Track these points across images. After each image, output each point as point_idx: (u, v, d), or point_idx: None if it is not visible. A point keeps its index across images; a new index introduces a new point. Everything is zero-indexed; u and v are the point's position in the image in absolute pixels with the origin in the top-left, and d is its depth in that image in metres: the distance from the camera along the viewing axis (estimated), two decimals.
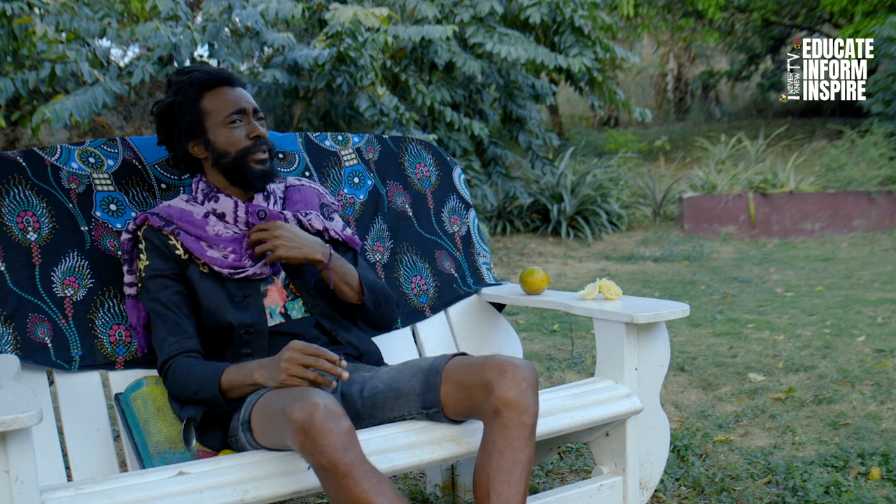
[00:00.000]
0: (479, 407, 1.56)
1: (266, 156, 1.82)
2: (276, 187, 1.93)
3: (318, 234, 1.90)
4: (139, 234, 1.78)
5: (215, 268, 1.76)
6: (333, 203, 2.01)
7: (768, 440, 2.73)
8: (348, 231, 1.98)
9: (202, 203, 1.83)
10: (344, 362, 1.48)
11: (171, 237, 1.77)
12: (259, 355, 1.73)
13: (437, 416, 1.62)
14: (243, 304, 1.78)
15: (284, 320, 1.82)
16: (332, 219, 1.96)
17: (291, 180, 1.99)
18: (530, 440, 1.54)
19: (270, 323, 1.80)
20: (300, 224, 1.88)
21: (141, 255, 1.77)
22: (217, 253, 1.78)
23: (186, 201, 1.84)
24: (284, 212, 1.87)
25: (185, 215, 1.80)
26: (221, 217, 1.82)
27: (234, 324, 1.75)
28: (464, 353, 1.69)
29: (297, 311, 1.84)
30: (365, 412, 1.69)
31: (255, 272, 1.79)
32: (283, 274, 1.86)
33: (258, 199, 1.86)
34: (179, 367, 1.68)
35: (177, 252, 1.77)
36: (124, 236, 1.79)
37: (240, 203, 1.83)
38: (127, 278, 1.79)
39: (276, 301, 1.83)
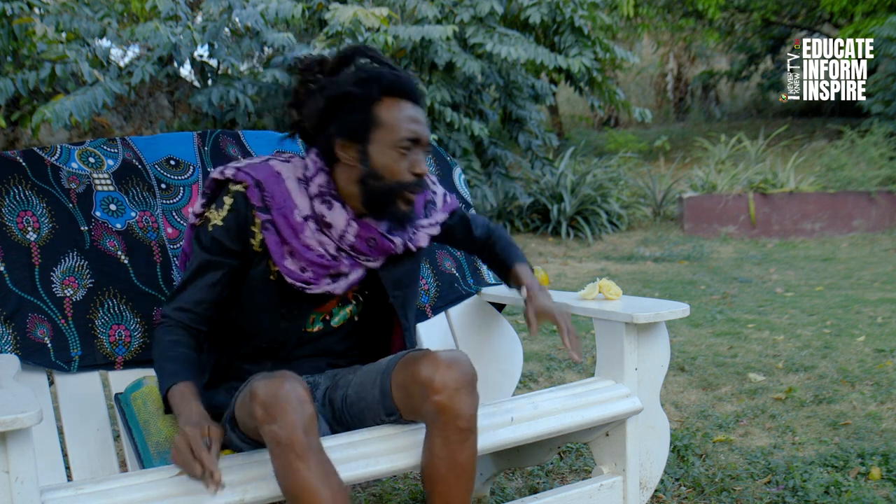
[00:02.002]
0: (419, 409, 1.51)
1: (416, 197, 1.62)
2: (417, 205, 1.72)
3: (419, 249, 1.73)
4: (231, 188, 1.58)
5: (287, 279, 1.58)
6: (432, 192, 1.81)
7: (768, 440, 2.73)
8: (448, 199, 1.82)
9: (312, 198, 1.59)
10: (217, 475, 1.34)
11: (257, 228, 1.57)
12: (268, 361, 1.68)
13: (400, 422, 1.59)
14: (289, 319, 1.65)
15: (323, 326, 1.73)
16: (431, 213, 1.79)
17: (435, 196, 1.80)
18: (466, 443, 1.50)
19: (309, 329, 1.71)
20: (406, 248, 1.69)
21: (219, 210, 1.58)
22: (294, 265, 1.58)
23: (298, 182, 1.60)
24: (395, 240, 1.65)
25: (287, 206, 1.57)
26: (325, 227, 1.59)
27: (263, 334, 1.65)
28: (418, 349, 1.60)
29: (339, 317, 1.74)
30: (345, 418, 1.67)
31: (326, 290, 1.62)
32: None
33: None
34: (162, 331, 1.58)
35: (251, 241, 1.58)
36: (215, 174, 1.61)
37: (352, 222, 1.60)
38: (196, 208, 1.62)
39: (325, 309, 1.71)
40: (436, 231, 1.77)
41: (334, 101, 1.59)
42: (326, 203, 1.59)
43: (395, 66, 1.64)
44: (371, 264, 1.66)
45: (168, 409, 1.53)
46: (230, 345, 1.69)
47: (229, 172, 1.59)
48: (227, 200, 1.58)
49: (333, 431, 1.66)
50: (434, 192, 1.82)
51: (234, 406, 1.52)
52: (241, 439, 1.53)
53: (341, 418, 1.68)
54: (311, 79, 1.64)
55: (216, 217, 1.59)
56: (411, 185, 1.58)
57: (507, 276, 1.94)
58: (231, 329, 1.68)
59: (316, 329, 1.73)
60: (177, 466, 1.37)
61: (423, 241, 1.73)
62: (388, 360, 1.62)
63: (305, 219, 1.58)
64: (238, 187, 1.58)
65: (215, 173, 1.62)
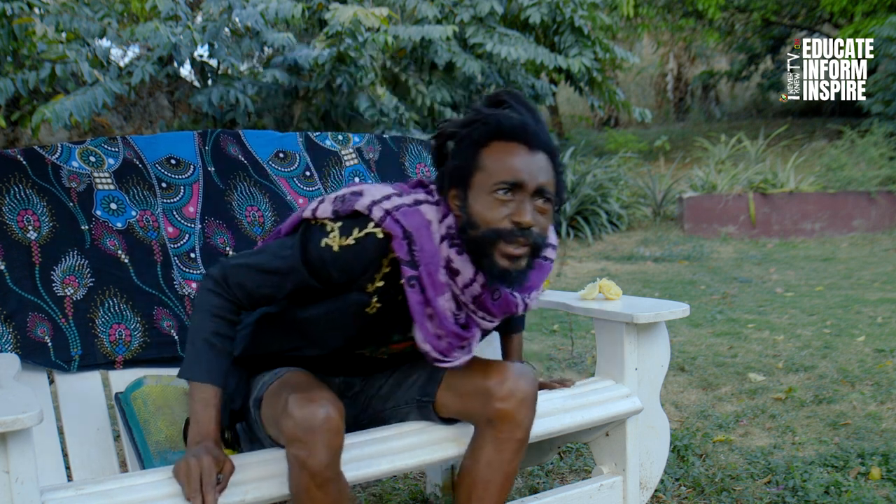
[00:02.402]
0: (474, 412, 1.53)
1: (521, 252, 1.41)
2: None
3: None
4: (369, 227, 1.42)
5: (424, 346, 1.48)
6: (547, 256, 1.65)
7: (768, 440, 2.73)
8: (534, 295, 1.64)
9: (440, 241, 1.45)
10: None
11: (379, 276, 1.45)
12: (312, 361, 1.62)
13: (427, 408, 1.59)
14: (361, 341, 1.57)
15: (388, 357, 1.66)
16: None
17: (547, 247, 1.59)
18: (519, 453, 1.53)
19: (374, 354, 1.64)
20: (524, 310, 1.59)
21: (343, 237, 1.42)
22: (433, 329, 1.48)
23: (440, 236, 1.45)
24: (517, 296, 1.54)
25: (433, 263, 1.43)
26: (453, 274, 1.46)
27: (321, 349, 1.57)
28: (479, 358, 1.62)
29: (402, 350, 1.66)
30: (369, 402, 1.68)
31: (455, 364, 1.52)
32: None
33: None
34: (208, 295, 1.45)
35: (367, 285, 1.46)
36: (360, 206, 1.43)
37: (479, 276, 1.46)
38: (321, 210, 1.46)
39: (400, 346, 1.63)
40: (536, 301, 1.63)
41: (444, 139, 1.50)
42: (456, 247, 1.45)
43: (527, 110, 1.49)
44: (489, 325, 1.55)
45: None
46: (276, 337, 1.60)
47: (377, 215, 1.42)
48: (356, 233, 1.43)
49: (348, 430, 1.66)
50: (550, 258, 1.63)
51: (263, 391, 1.50)
52: (257, 422, 1.52)
53: (368, 405, 1.67)
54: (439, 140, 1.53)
55: (335, 240, 1.43)
56: (509, 235, 1.40)
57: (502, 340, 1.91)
58: (287, 325, 1.58)
59: (381, 356, 1.67)
60: (176, 479, 1.36)
61: (533, 303, 1.60)
62: None
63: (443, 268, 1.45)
64: (377, 230, 1.42)
65: (360, 206, 1.43)
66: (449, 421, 1.62)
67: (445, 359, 1.51)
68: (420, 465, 1.60)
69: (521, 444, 1.53)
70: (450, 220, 1.46)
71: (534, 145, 1.44)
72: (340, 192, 1.50)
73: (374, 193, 1.46)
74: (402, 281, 1.44)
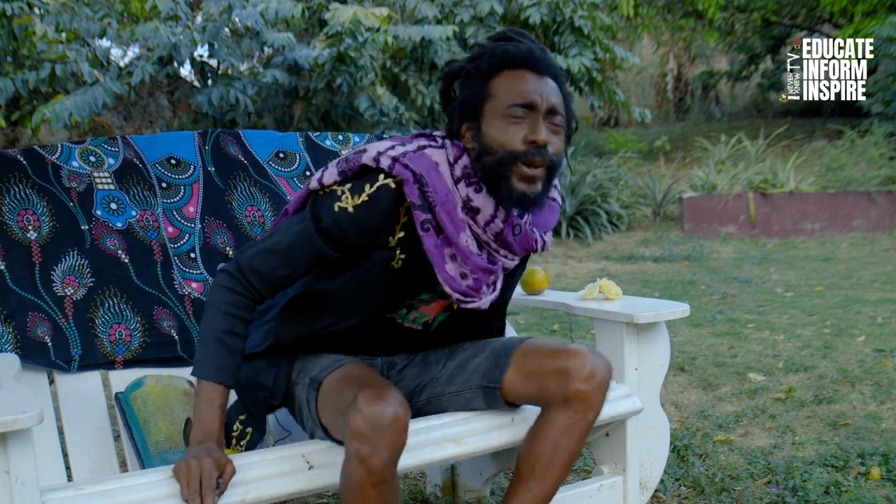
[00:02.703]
0: (549, 393, 1.53)
1: (537, 172, 1.43)
2: None
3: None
4: (380, 179, 1.42)
5: (446, 287, 1.48)
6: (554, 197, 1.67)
7: (768, 440, 2.73)
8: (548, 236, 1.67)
9: (457, 182, 1.45)
10: None
11: (399, 227, 1.45)
12: (348, 335, 1.59)
13: (493, 394, 1.60)
14: (388, 303, 1.55)
15: (422, 328, 1.66)
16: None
17: (552, 186, 1.60)
18: (585, 436, 1.56)
19: (407, 324, 1.64)
20: (543, 248, 1.61)
21: (356, 196, 1.42)
22: (455, 270, 1.47)
23: (449, 167, 1.46)
24: (536, 231, 1.57)
25: (450, 201, 1.43)
26: (473, 213, 1.46)
27: (358, 316, 1.54)
28: (531, 337, 1.65)
29: (440, 321, 1.68)
30: (427, 385, 1.67)
31: (479, 306, 1.53)
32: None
33: (515, 209, 1.51)
34: (221, 290, 1.45)
35: (388, 238, 1.45)
36: (366, 160, 1.44)
37: (500, 211, 1.48)
38: (326, 178, 1.46)
39: (432, 311, 1.63)
40: (550, 242, 1.65)
41: (450, 80, 1.53)
42: (474, 186, 1.46)
43: (531, 42, 1.50)
44: (511, 263, 1.57)
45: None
46: (307, 319, 1.57)
47: (385, 163, 1.42)
48: (368, 189, 1.42)
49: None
50: (555, 199, 1.66)
51: (323, 375, 1.48)
52: (311, 413, 1.50)
53: (417, 393, 1.67)
54: (446, 80, 1.56)
55: (348, 201, 1.42)
56: (525, 155, 1.41)
57: None
58: (313, 303, 1.56)
59: (415, 328, 1.66)
60: (176, 479, 1.36)
61: (548, 245, 1.63)
62: (506, 339, 1.63)
63: (462, 209, 1.46)
64: (388, 181, 1.42)
65: (366, 159, 1.44)
66: (511, 404, 1.63)
67: (472, 299, 1.51)
68: (419, 465, 1.59)
69: (590, 427, 1.56)
70: (464, 160, 1.47)
71: (541, 70, 1.46)
72: (343, 156, 1.50)
73: (377, 146, 1.47)
74: (402, 223, 1.44)
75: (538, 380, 1.55)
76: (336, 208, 1.43)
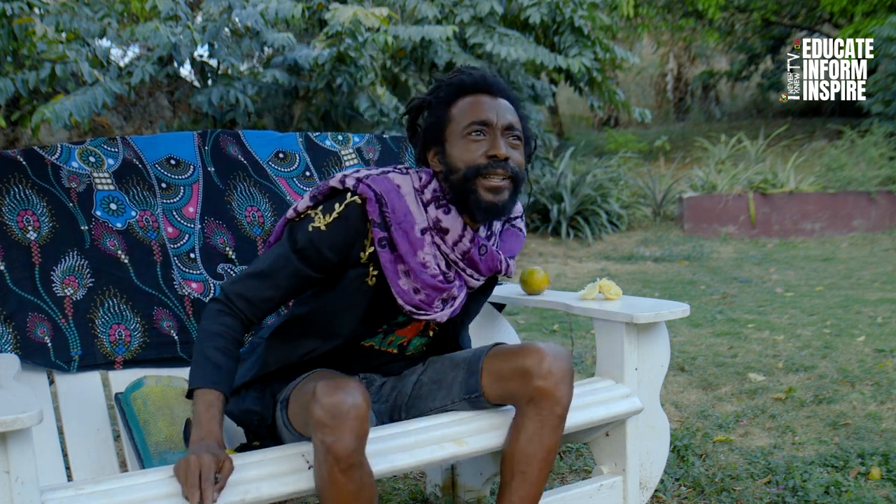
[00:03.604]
0: (515, 393, 1.59)
1: (502, 184, 1.54)
2: (497, 222, 1.70)
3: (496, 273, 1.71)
4: (347, 198, 1.54)
5: (399, 300, 1.57)
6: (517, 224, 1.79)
7: (768, 440, 2.73)
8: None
9: (427, 206, 1.57)
10: None
11: (368, 241, 1.54)
12: (328, 362, 1.66)
13: (479, 401, 1.65)
14: (367, 324, 1.63)
15: (397, 351, 1.74)
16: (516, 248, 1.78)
17: (516, 216, 1.76)
18: (559, 428, 1.60)
19: (383, 349, 1.72)
20: (506, 272, 1.69)
21: (327, 215, 1.54)
22: (408, 285, 1.56)
23: (415, 193, 1.57)
24: (501, 254, 1.66)
25: (407, 222, 1.54)
26: (442, 233, 1.57)
27: (342, 336, 1.61)
28: (501, 343, 1.70)
29: (414, 347, 1.75)
30: (409, 404, 1.71)
31: (435, 318, 1.61)
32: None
33: (481, 231, 1.63)
34: (213, 315, 1.54)
35: (360, 253, 1.55)
36: (334, 183, 1.57)
37: (468, 229, 1.58)
38: (301, 205, 1.58)
39: (406, 334, 1.71)
40: (513, 269, 1.73)
41: (414, 113, 1.66)
42: (443, 208, 1.57)
43: (475, 71, 1.62)
44: (473, 282, 1.65)
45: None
46: (291, 345, 1.65)
47: (350, 183, 1.55)
48: (337, 207, 1.53)
49: (381, 422, 1.70)
50: (521, 228, 1.77)
51: (290, 391, 1.55)
52: (284, 423, 1.56)
53: (400, 406, 1.72)
54: (411, 114, 1.69)
55: (320, 221, 1.54)
56: (486, 167, 1.53)
57: None
58: (296, 328, 1.65)
59: (391, 351, 1.73)
60: (176, 478, 1.36)
61: (512, 269, 1.71)
62: (475, 349, 1.69)
63: (423, 231, 1.55)
64: (354, 199, 1.54)
65: (334, 182, 1.57)
66: (497, 405, 1.67)
67: (424, 312, 1.60)
68: (419, 465, 1.59)
69: (561, 420, 1.59)
70: (434, 184, 1.59)
71: (495, 93, 1.60)
72: (314, 186, 1.62)
73: (345, 171, 1.62)
74: (370, 239, 1.54)
75: (505, 382, 1.60)
76: (310, 228, 1.54)
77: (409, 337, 1.72)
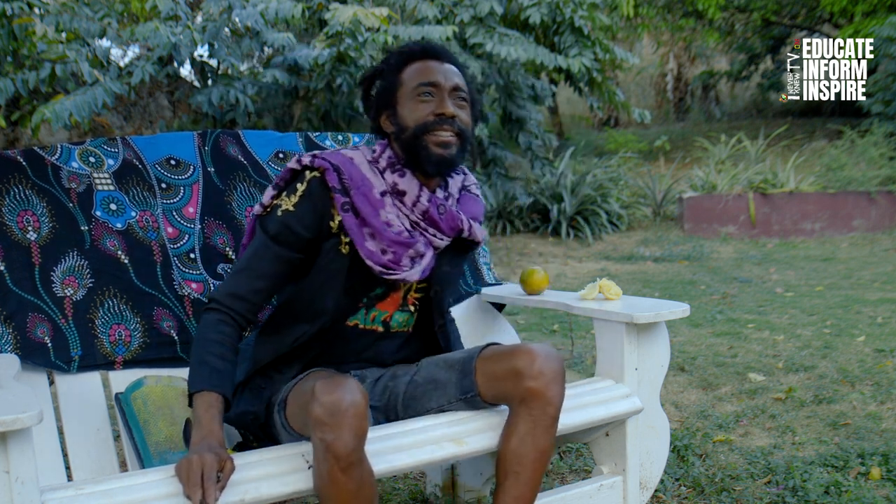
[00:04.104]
0: (508, 394, 1.60)
1: (450, 139, 1.63)
2: (454, 186, 1.78)
3: (474, 244, 1.79)
4: (307, 175, 1.63)
5: (367, 262, 1.61)
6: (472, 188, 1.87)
7: (768, 440, 2.73)
8: (484, 231, 1.85)
9: (383, 172, 1.67)
10: None
11: (336, 210, 1.61)
12: (318, 347, 1.68)
13: (475, 401, 1.65)
14: (350, 295, 1.67)
15: (382, 328, 1.75)
16: (479, 217, 1.84)
17: (470, 182, 1.84)
18: (551, 429, 1.60)
19: (368, 326, 1.73)
20: (469, 233, 1.74)
21: (292, 197, 1.62)
22: (375, 246, 1.62)
23: (370, 163, 1.67)
24: (462, 214, 1.73)
25: (364, 185, 1.63)
26: (400, 196, 1.65)
27: (329, 311, 1.64)
28: (495, 343, 1.71)
29: (398, 322, 1.77)
30: (403, 405, 1.71)
31: (404, 278, 1.64)
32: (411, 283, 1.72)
33: (438, 193, 1.72)
34: (210, 321, 1.59)
35: (330, 224, 1.62)
36: (292, 164, 1.66)
37: (424, 188, 1.67)
38: (265, 198, 1.66)
39: (387, 308, 1.73)
40: (483, 235, 1.80)
41: (367, 82, 1.76)
42: (398, 171, 1.66)
43: (424, 42, 1.74)
44: (438, 242, 1.70)
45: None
46: (281, 333, 1.68)
47: (306, 160, 1.64)
48: (301, 187, 1.62)
49: (377, 422, 1.69)
50: (477, 194, 1.84)
51: (287, 392, 1.56)
52: (283, 425, 1.56)
53: (395, 406, 1.72)
54: (363, 84, 1.79)
55: (287, 203, 1.62)
56: (434, 124, 1.62)
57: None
58: (283, 316, 1.69)
59: (375, 329, 1.74)
60: (178, 479, 1.37)
61: (479, 235, 1.77)
62: (468, 349, 1.70)
63: (383, 194, 1.63)
64: (314, 174, 1.63)
65: (291, 163, 1.66)
66: (492, 404, 1.68)
67: (394, 271, 1.63)
68: (419, 465, 1.60)
69: (553, 421, 1.60)
70: (388, 152, 1.69)
71: (442, 58, 1.70)
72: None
73: (297, 156, 1.69)
74: (338, 208, 1.61)
75: (498, 383, 1.61)
76: (280, 213, 1.62)
77: (390, 311, 1.74)
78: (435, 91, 1.65)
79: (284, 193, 1.64)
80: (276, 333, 1.70)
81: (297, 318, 1.67)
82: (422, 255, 1.67)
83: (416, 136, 1.63)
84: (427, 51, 1.70)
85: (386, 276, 1.63)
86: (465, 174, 1.84)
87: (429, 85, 1.65)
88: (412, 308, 1.77)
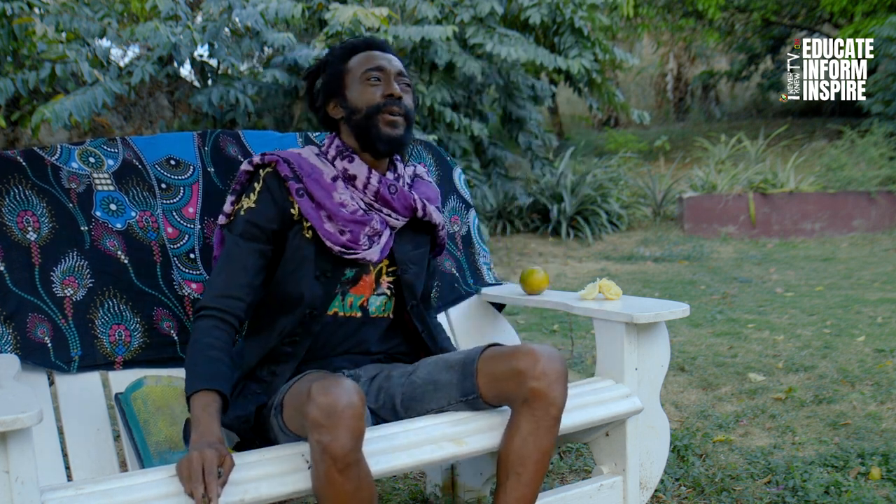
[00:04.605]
0: (510, 394, 1.61)
1: (398, 119, 1.73)
2: (406, 172, 1.86)
3: (433, 227, 1.86)
4: (261, 173, 1.72)
5: (327, 242, 1.69)
6: (442, 211, 1.96)
7: (768, 440, 2.73)
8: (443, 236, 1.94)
9: (332, 161, 1.76)
10: None
11: (292, 196, 1.69)
12: (305, 340, 1.71)
13: (476, 402, 1.66)
14: (323, 282, 1.71)
15: (361, 314, 1.79)
16: (433, 200, 1.90)
17: (421, 171, 1.92)
18: (553, 429, 1.61)
19: (347, 313, 1.77)
20: (423, 212, 1.80)
21: (251, 195, 1.70)
22: (333, 227, 1.69)
23: (317, 155, 1.77)
24: (414, 194, 1.80)
25: (315, 172, 1.72)
26: (351, 180, 1.74)
27: (305, 298, 1.69)
28: (497, 344, 1.71)
29: (376, 307, 1.80)
30: (403, 406, 1.71)
31: (364, 257, 1.71)
32: (378, 265, 1.78)
33: (389, 175, 1.79)
34: (201, 328, 1.62)
35: (290, 211, 1.70)
36: (244, 167, 1.73)
37: (373, 171, 1.75)
38: (227, 207, 1.74)
39: (362, 291, 1.78)
40: (441, 219, 1.87)
41: (312, 75, 1.85)
42: (347, 157, 1.75)
43: (366, 36, 1.85)
44: (394, 222, 1.76)
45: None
46: (266, 331, 1.72)
47: (257, 159, 1.73)
48: (257, 185, 1.71)
49: (374, 423, 1.70)
50: (430, 180, 1.93)
51: (283, 394, 1.57)
52: (281, 428, 1.56)
53: (392, 407, 1.72)
54: (308, 77, 1.89)
55: (248, 202, 1.70)
56: (384, 105, 1.72)
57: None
58: (264, 314, 1.73)
59: (354, 315, 1.77)
60: (179, 478, 1.37)
61: (436, 217, 1.83)
62: (467, 350, 1.71)
63: (334, 179, 1.72)
64: (267, 169, 1.71)
65: (244, 166, 1.74)
66: (494, 406, 1.68)
67: (353, 250, 1.70)
68: (419, 465, 1.60)
69: (556, 421, 1.60)
70: (336, 142, 1.78)
71: (385, 49, 1.81)
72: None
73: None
74: (293, 195, 1.69)
75: (500, 383, 1.62)
76: (243, 213, 1.69)
77: (366, 295, 1.78)
78: (382, 75, 1.75)
79: (244, 196, 1.72)
80: (261, 332, 1.73)
81: (277, 311, 1.72)
82: (379, 234, 1.73)
83: (369, 117, 1.72)
84: (370, 42, 1.81)
85: (347, 256, 1.70)
86: (415, 166, 1.93)
87: (376, 69, 1.75)
88: (388, 292, 1.81)
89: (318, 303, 1.71)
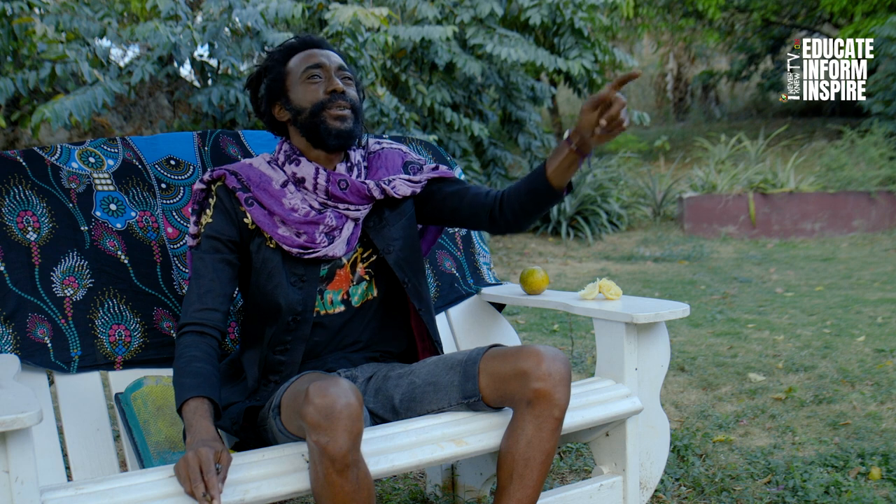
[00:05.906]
0: (513, 396, 1.60)
1: (345, 112, 1.73)
2: (358, 157, 1.84)
3: (405, 198, 1.84)
4: (213, 188, 1.73)
5: (284, 246, 1.70)
6: (419, 159, 1.92)
7: (768, 440, 2.73)
8: (442, 167, 1.90)
9: (282, 166, 1.77)
10: (217, 503, 1.33)
11: (243, 205, 1.71)
12: (298, 346, 1.72)
13: (478, 405, 1.66)
14: (299, 286, 1.72)
15: (345, 308, 1.79)
16: (420, 171, 1.88)
17: (372, 145, 1.91)
18: (557, 431, 1.60)
19: (330, 310, 1.78)
20: (384, 193, 1.79)
21: (207, 211, 1.72)
22: (288, 231, 1.71)
23: (268, 162, 1.78)
24: (367, 182, 1.78)
25: (263, 181, 1.73)
26: (300, 183, 1.74)
27: (283, 307, 1.70)
28: (498, 345, 1.71)
29: (358, 296, 1.80)
30: (402, 406, 1.71)
31: (325, 254, 1.72)
32: (351, 255, 1.78)
33: (340, 168, 1.78)
34: (183, 343, 1.62)
35: (244, 220, 1.71)
36: (197, 186, 1.74)
37: (321, 169, 1.75)
38: (191, 229, 1.75)
39: (339, 286, 1.78)
40: (417, 188, 1.84)
41: (254, 82, 1.83)
42: (294, 162, 1.75)
43: (302, 35, 1.84)
44: (354, 213, 1.76)
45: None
46: (255, 340, 1.74)
47: (206, 175, 1.74)
48: (211, 200, 1.72)
49: (372, 423, 1.70)
50: (420, 159, 1.92)
51: (281, 397, 1.56)
52: (280, 430, 1.56)
53: (390, 407, 1.72)
54: (250, 85, 1.87)
55: (206, 217, 1.71)
56: (329, 102, 1.72)
57: (545, 171, 1.70)
58: (258, 316, 1.74)
59: (338, 311, 1.77)
60: (178, 479, 1.36)
61: (402, 188, 1.80)
62: (468, 351, 1.70)
63: (284, 185, 1.73)
64: (218, 184, 1.73)
65: (197, 184, 1.75)
66: (495, 408, 1.68)
67: (311, 250, 1.71)
68: (419, 465, 1.59)
69: (559, 423, 1.60)
70: (285, 146, 1.78)
71: (322, 46, 1.80)
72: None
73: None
74: (243, 204, 1.71)
75: (503, 384, 1.61)
76: (204, 229, 1.71)
77: (344, 289, 1.78)
78: (322, 72, 1.75)
79: (202, 213, 1.73)
80: (253, 344, 1.74)
81: (263, 322, 1.72)
82: (339, 229, 1.74)
83: (314, 115, 1.72)
84: (306, 42, 1.80)
85: (306, 256, 1.71)
86: (366, 141, 1.91)
87: (315, 67, 1.74)
88: (367, 277, 1.81)
89: (300, 307, 1.71)
